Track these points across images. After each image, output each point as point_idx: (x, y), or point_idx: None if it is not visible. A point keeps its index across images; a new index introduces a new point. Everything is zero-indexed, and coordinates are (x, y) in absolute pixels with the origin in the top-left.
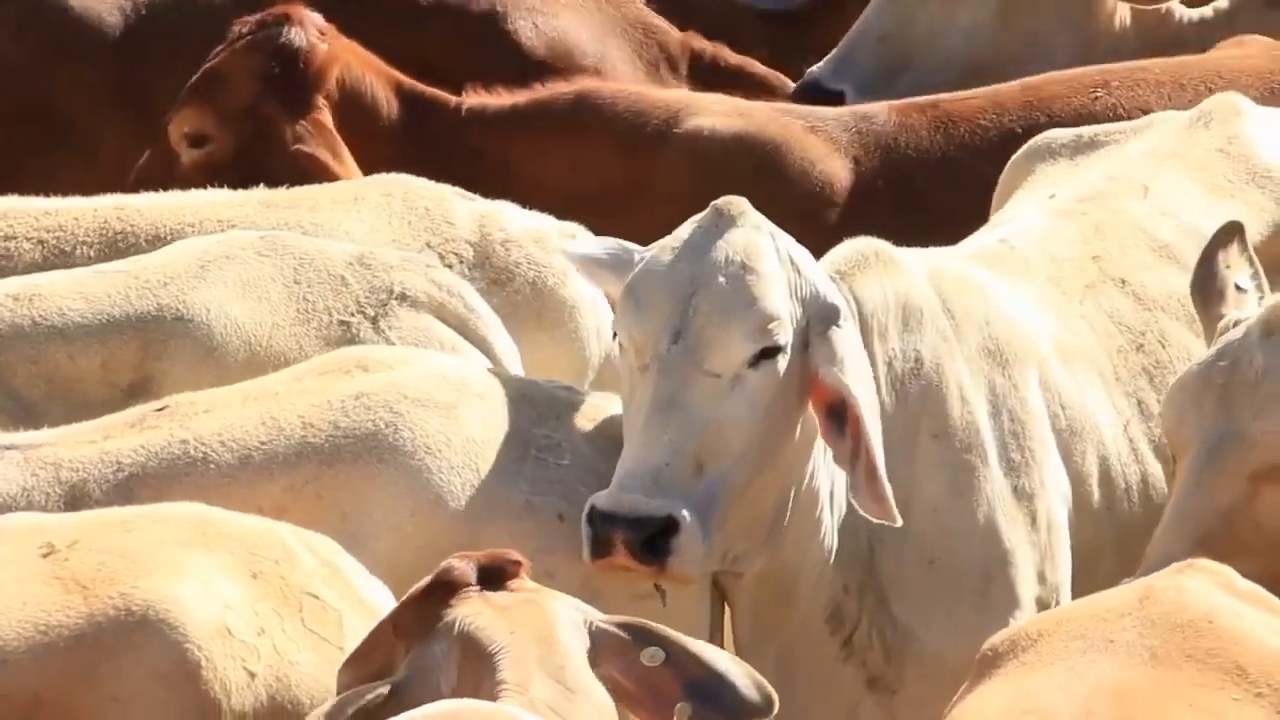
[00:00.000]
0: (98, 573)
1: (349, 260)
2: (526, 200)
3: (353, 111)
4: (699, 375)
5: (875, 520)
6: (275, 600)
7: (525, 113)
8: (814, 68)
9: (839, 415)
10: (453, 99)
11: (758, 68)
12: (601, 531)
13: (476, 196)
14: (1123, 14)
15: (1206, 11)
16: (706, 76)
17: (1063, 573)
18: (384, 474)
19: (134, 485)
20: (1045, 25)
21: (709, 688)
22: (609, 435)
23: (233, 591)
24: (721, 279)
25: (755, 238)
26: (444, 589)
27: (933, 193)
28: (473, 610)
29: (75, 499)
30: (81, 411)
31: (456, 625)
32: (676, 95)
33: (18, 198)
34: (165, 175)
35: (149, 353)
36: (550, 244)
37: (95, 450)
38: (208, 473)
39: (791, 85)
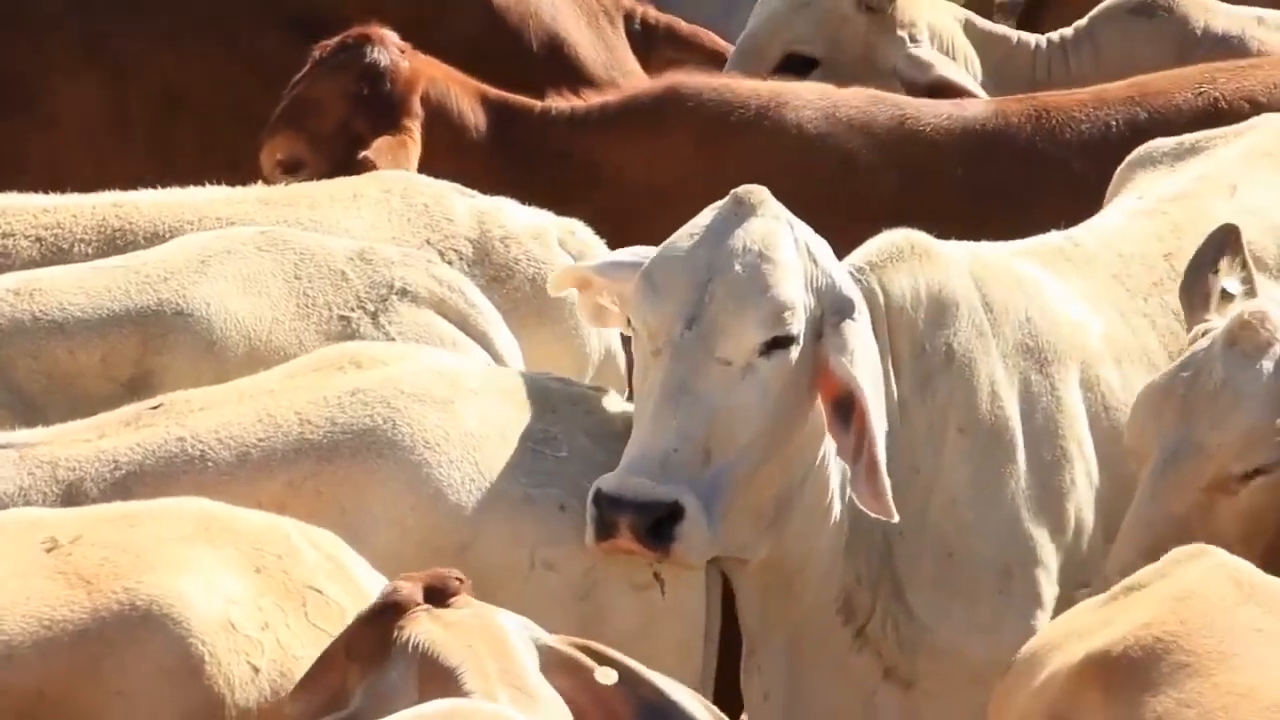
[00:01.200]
0: (101, 567)
1: (349, 255)
2: (616, 198)
3: (441, 126)
4: (711, 362)
5: (873, 516)
6: (279, 595)
7: (613, 111)
8: None
9: (845, 408)
10: (537, 104)
11: (683, 26)
12: (607, 514)
13: (475, 193)
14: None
15: (1066, 31)
16: (636, 35)
17: (1090, 573)
18: (383, 469)
19: (132, 484)
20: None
21: (660, 709)
22: (606, 427)
23: (236, 586)
24: (738, 266)
25: (774, 227)
26: (393, 610)
27: (1018, 185)
28: (425, 629)
29: (72, 498)
30: (82, 406)
31: (412, 645)
32: (768, 87)
33: (16, 195)
34: None
35: (149, 347)
36: (550, 240)
37: (92, 449)
38: (206, 470)
39: (720, 42)
